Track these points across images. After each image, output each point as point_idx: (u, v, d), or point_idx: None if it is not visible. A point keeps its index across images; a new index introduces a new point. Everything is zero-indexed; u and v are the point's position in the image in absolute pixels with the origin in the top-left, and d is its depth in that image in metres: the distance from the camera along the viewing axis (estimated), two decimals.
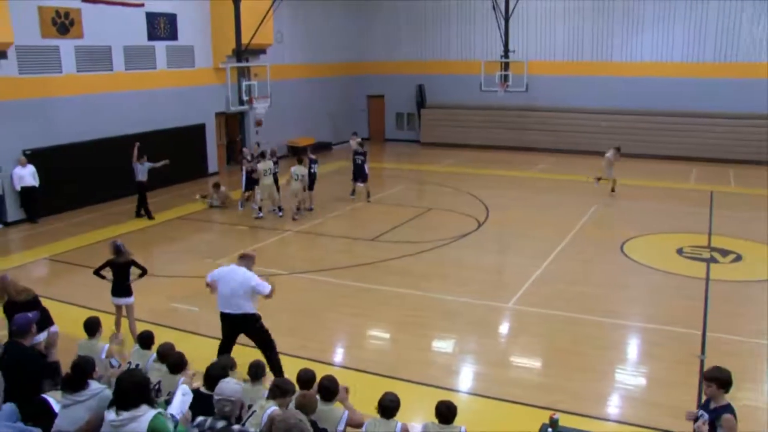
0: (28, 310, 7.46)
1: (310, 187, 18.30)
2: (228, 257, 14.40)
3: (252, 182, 18.06)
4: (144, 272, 10.06)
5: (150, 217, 17.57)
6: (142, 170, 17.17)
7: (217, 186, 19.02)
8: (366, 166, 19.22)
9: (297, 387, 6.13)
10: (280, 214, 17.81)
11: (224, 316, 8.44)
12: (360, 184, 19.37)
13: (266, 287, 8.27)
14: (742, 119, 25.34)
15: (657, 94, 26.61)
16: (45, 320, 8.21)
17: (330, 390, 6.03)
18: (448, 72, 30.36)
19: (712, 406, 5.59)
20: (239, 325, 8.38)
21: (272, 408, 5.53)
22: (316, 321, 11.00)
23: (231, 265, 8.50)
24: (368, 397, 6.22)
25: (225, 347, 8.54)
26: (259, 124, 21.62)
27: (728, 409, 5.46)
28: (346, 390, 6.22)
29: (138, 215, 17.64)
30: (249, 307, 8.31)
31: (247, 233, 16.67)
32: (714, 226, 16.38)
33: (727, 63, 25.55)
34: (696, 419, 5.70)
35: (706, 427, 5.44)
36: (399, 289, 12.29)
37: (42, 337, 7.44)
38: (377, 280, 12.81)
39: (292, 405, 5.68)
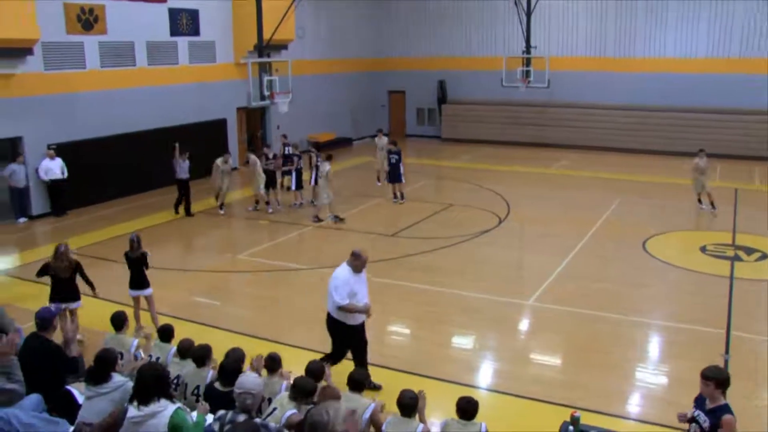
0: (59, 281, 9.37)
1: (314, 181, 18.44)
2: (247, 252, 14.52)
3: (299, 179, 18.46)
4: (146, 267, 10.07)
5: (189, 213, 17.49)
6: (183, 167, 17.13)
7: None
8: (401, 166, 18.62)
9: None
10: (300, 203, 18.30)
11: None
12: (394, 184, 18.79)
13: (338, 299, 7.66)
14: (767, 115, 24.91)
15: (681, 91, 26.26)
16: (71, 296, 9.45)
17: (359, 382, 6.09)
18: (470, 68, 30.24)
19: (709, 405, 5.51)
20: (327, 321, 8.07)
21: (291, 411, 5.53)
22: None
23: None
24: (388, 393, 6.22)
25: (336, 353, 8.19)
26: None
27: (727, 409, 5.38)
28: (382, 407, 6.20)
29: (188, 213, 17.50)
30: (332, 309, 7.88)
31: (268, 228, 16.74)
32: (738, 224, 16.15)
33: (754, 58, 25.09)
34: (690, 420, 5.61)
35: None
36: (419, 284, 12.27)
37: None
38: (397, 276, 12.80)
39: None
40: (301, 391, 5.68)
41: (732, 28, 25.42)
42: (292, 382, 5.93)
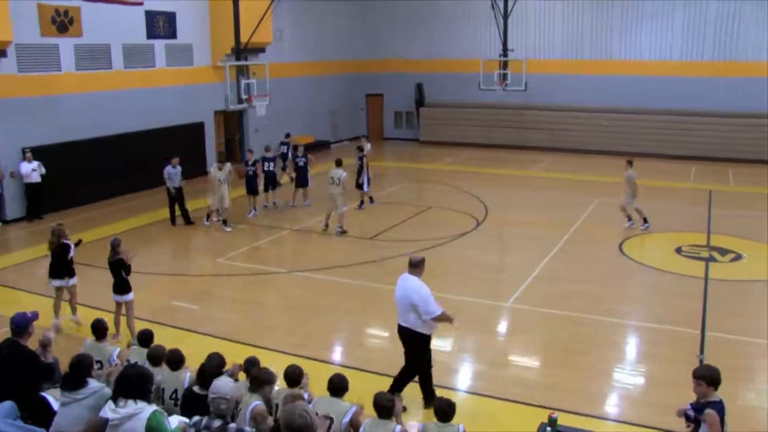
0: (52, 258, 10.43)
1: (306, 183, 18.35)
2: (226, 256, 14.44)
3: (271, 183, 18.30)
4: (127, 273, 9.98)
5: (173, 223, 16.78)
6: (174, 175, 16.31)
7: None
8: (364, 173, 17.88)
9: (285, 384, 6.15)
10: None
11: (398, 326, 7.92)
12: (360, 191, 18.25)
13: (431, 309, 7.54)
14: (740, 118, 25.35)
15: (656, 93, 26.63)
16: (60, 273, 10.46)
17: (338, 387, 6.07)
18: (447, 71, 30.35)
19: (702, 402, 5.62)
20: (404, 336, 7.87)
21: (255, 403, 5.55)
22: (315, 319, 10.99)
23: (405, 272, 7.85)
24: (369, 396, 6.20)
25: (417, 367, 7.98)
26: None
27: (713, 405, 5.47)
28: (361, 408, 6.17)
29: (187, 221, 16.76)
30: (415, 323, 7.67)
31: (247, 232, 16.62)
32: (713, 225, 16.38)
33: (726, 62, 25.56)
34: (689, 417, 5.70)
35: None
36: None
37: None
38: (376, 279, 12.80)
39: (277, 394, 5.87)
40: (260, 382, 5.72)
41: (705, 32, 25.82)
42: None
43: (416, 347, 7.86)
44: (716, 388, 5.57)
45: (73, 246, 10.58)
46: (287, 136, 20.73)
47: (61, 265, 10.47)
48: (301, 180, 18.41)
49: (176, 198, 16.64)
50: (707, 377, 5.57)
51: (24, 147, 17.15)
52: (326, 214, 16.16)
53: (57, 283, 10.53)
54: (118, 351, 7.31)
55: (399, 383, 7.98)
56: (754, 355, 9.59)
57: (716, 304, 11.34)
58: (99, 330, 7.47)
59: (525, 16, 28.28)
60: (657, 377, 8.91)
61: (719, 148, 25.55)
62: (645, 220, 15.91)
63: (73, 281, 10.59)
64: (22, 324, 6.29)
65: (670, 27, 26.39)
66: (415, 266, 7.77)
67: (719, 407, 5.46)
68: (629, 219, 16.06)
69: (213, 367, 6.03)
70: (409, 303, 7.62)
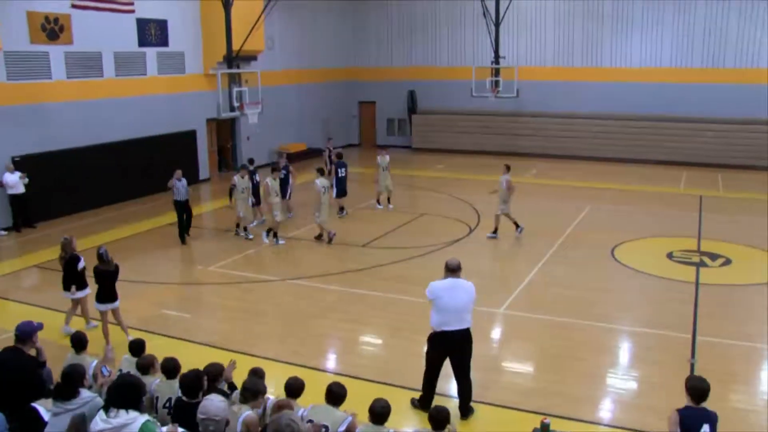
0: (66, 270, 10.45)
1: (285, 195, 18.01)
2: (217, 264, 14.39)
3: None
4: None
5: (183, 241, 16.09)
6: (182, 188, 15.77)
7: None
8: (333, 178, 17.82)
9: (285, 395, 6.12)
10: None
11: (449, 335, 7.71)
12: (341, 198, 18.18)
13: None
14: (729, 124, 25.54)
15: (646, 100, 26.80)
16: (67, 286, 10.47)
17: (337, 395, 6.04)
18: (439, 78, 30.46)
19: None
20: (459, 342, 7.80)
21: (246, 413, 5.52)
22: (307, 327, 10.97)
23: (448, 278, 7.87)
24: (361, 403, 6.19)
25: (435, 376, 8.02)
26: None
27: (682, 409, 5.64)
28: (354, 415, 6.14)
29: (183, 241, 16.10)
30: (470, 319, 7.84)
31: (239, 240, 16.56)
32: (703, 231, 16.47)
33: (715, 68, 25.77)
34: None
35: None
36: (391, 294, 12.28)
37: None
38: (369, 286, 12.80)
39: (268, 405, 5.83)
40: (252, 393, 5.68)
41: (694, 39, 26.02)
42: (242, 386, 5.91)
43: (470, 346, 7.90)
44: (693, 399, 5.70)
45: (82, 259, 10.52)
46: (329, 140, 21.37)
47: (71, 278, 10.45)
48: (282, 191, 18.00)
49: (182, 212, 16.06)
50: (687, 387, 5.78)
51: (13, 156, 17.07)
52: (324, 229, 15.88)
53: (68, 295, 10.55)
54: (96, 363, 7.22)
55: (465, 401, 7.95)
56: (744, 359, 9.65)
57: (707, 309, 11.40)
58: (79, 343, 7.40)
59: (516, 24, 28.43)
60: (649, 381, 8.94)
61: (709, 154, 25.72)
62: (516, 225, 15.95)
63: (79, 294, 10.49)
64: (27, 332, 6.26)
65: (659, 34, 26.58)
66: (458, 269, 7.92)
67: (686, 413, 5.60)
68: (495, 231, 15.97)
69: (190, 379, 5.87)
70: (472, 304, 7.82)
